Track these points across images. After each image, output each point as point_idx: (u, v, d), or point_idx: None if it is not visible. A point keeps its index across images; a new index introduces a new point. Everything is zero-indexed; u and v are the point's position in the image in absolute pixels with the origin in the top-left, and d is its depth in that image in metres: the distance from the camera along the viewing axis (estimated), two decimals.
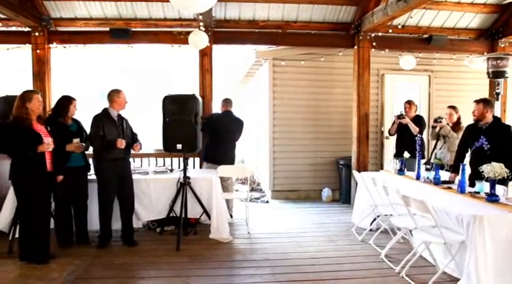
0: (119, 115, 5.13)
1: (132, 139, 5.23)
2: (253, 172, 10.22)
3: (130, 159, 5.38)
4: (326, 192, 7.92)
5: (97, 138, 4.91)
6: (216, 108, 6.76)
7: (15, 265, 4.34)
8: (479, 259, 3.36)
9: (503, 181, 4.11)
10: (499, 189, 4.06)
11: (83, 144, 4.97)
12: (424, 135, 6.91)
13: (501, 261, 3.43)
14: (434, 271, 3.99)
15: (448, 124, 6.21)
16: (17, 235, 4.69)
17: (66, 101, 4.96)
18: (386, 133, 7.73)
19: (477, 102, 4.98)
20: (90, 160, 5.27)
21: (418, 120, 6.66)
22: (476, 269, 3.36)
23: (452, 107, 6.32)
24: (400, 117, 6.65)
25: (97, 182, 5.06)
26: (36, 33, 6.61)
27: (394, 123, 6.86)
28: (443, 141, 6.15)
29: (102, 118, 4.99)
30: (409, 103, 6.80)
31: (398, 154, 6.43)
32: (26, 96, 4.36)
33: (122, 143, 4.94)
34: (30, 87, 4.80)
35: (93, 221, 5.24)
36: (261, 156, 9.41)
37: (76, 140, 4.88)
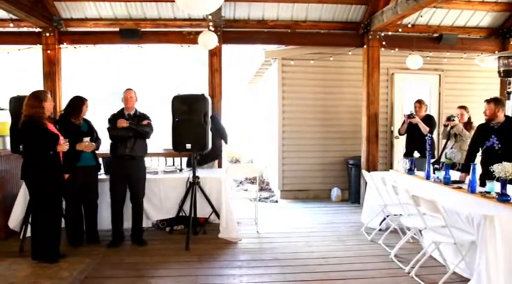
0: (132, 114, 5.18)
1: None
2: (263, 171, 10.21)
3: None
4: (335, 192, 7.90)
5: (110, 130, 5.01)
6: (225, 107, 6.74)
7: (26, 264, 4.38)
8: (490, 259, 3.33)
9: None
10: (510, 189, 4.01)
11: (93, 144, 5.01)
12: (434, 135, 6.85)
13: None
14: (444, 271, 3.96)
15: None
16: (28, 234, 4.76)
17: (78, 102, 5.00)
18: (396, 133, 7.69)
19: (488, 101, 4.94)
20: (100, 160, 5.33)
21: (429, 120, 6.59)
22: (486, 269, 3.33)
23: (463, 107, 6.25)
24: (410, 116, 6.60)
25: (109, 181, 5.14)
26: (47, 34, 6.68)
27: (404, 122, 6.81)
28: (455, 140, 6.09)
29: (116, 117, 5.09)
30: (419, 102, 6.74)
31: (408, 154, 6.39)
32: (42, 95, 4.40)
33: (121, 122, 4.99)
34: (35, 87, 4.83)
35: (103, 221, 5.29)
36: (270, 156, 9.41)
37: (86, 139, 4.92)
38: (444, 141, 6.38)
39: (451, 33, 7.33)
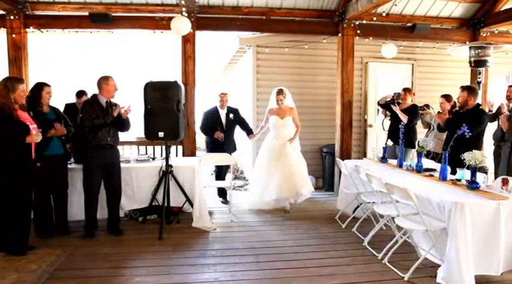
0: (108, 102, 4.99)
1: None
2: (238, 160, 10.14)
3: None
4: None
5: (90, 119, 4.77)
6: (198, 95, 6.63)
7: None
8: (460, 246, 3.40)
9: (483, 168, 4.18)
10: (480, 177, 4.11)
11: (62, 126, 4.83)
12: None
13: (481, 248, 3.49)
14: (417, 257, 4.03)
15: (439, 112, 6.17)
16: None
17: (38, 88, 4.78)
18: (369, 122, 7.75)
19: (462, 88, 5.06)
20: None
21: (412, 110, 6.45)
22: (457, 255, 3.40)
23: (445, 96, 6.13)
24: (392, 102, 6.50)
25: (83, 171, 4.96)
26: (12, 17, 6.35)
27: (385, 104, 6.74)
28: (429, 128, 6.17)
29: (92, 105, 4.88)
30: (405, 90, 6.66)
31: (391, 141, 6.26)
32: (11, 85, 4.21)
33: (116, 111, 4.88)
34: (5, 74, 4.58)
35: (73, 212, 5.15)
36: (244, 144, 9.35)
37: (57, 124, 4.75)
38: (426, 130, 6.41)
39: (424, 23, 7.38)
